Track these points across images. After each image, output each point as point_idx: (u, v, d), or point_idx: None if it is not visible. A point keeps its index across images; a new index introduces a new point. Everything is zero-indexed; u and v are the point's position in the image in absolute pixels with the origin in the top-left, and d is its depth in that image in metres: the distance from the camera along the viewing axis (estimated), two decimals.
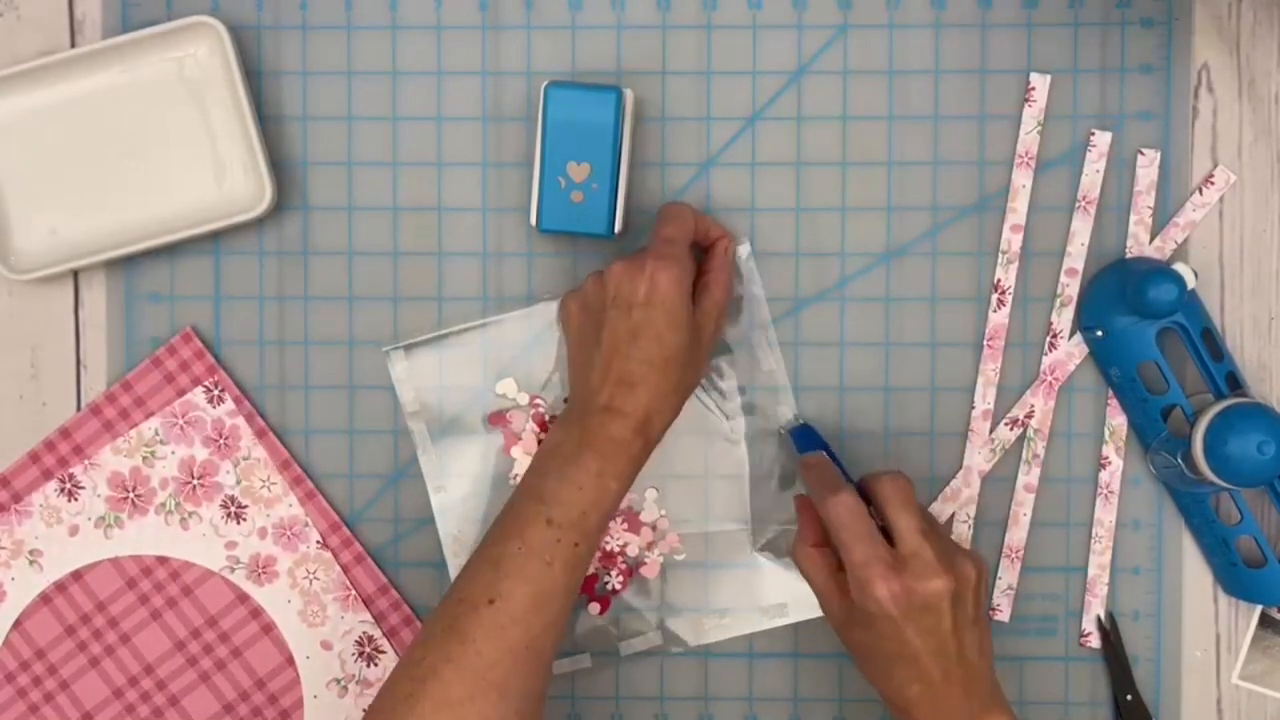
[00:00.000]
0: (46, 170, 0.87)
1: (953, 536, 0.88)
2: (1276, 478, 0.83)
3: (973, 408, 0.88)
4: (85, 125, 0.87)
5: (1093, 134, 0.87)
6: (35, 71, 0.86)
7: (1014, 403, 0.88)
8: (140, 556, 0.89)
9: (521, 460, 0.88)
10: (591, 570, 0.87)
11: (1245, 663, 0.88)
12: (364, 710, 0.88)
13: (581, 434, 0.79)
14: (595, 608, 0.88)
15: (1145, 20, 0.87)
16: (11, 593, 0.89)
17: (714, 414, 0.88)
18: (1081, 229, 0.87)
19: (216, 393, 0.88)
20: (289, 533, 0.88)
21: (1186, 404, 0.84)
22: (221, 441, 0.88)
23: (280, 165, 0.88)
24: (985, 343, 0.88)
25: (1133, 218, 0.87)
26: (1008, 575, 0.88)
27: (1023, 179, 0.87)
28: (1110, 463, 0.87)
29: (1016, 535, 0.88)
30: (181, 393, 0.88)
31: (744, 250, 0.87)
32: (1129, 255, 0.87)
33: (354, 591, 0.88)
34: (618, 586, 0.88)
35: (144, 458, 0.88)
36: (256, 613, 0.89)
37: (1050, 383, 0.88)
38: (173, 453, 0.88)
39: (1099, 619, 0.88)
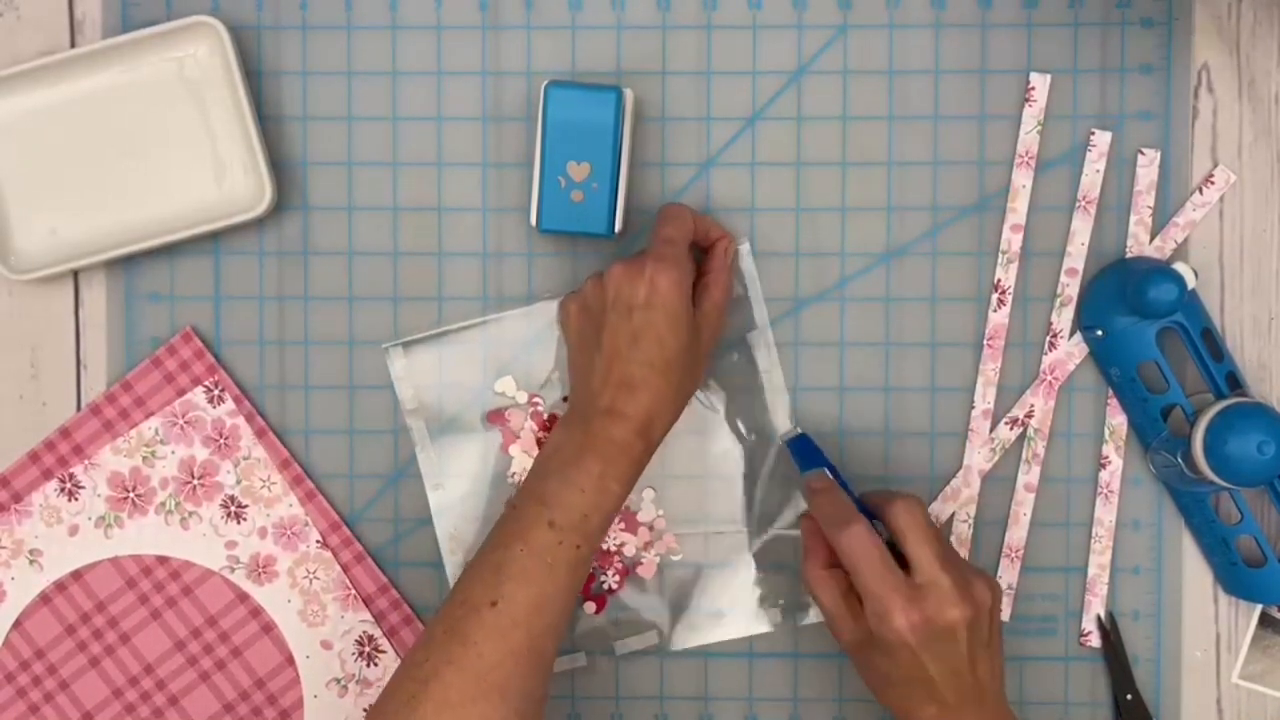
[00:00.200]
0: (46, 170, 0.87)
1: (952, 536, 0.88)
2: (1276, 478, 0.83)
3: (973, 408, 0.88)
4: (85, 125, 0.87)
5: (1093, 134, 0.87)
6: (35, 71, 0.86)
7: (1014, 402, 0.88)
8: (140, 556, 0.89)
9: (520, 459, 0.88)
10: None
11: (1245, 663, 0.88)
12: (364, 710, 0.88)
13: (583, 437, 0.79)
14: (591, 607, 0.88)
15: (1145, 20, 0.87)
16: (11, 593, 0.89)
17: (717, 414, 0.88)
18: (1081, 229, 0.87)
19: (216, 393, 0.88)
20: (289, 532, 0.88)
21: (1186, 404, 0.84)
22: (221, 441, 0.88)
23: (280, 165, 0.88)
24: (985, 343, 0.88)
25: (1133, 218, 0.87)
26: (1008, 575, 0.88)
27: (1023, 179, 0.87)
28: (1110, 463, 0.87)
29: (1016, 535, 0.88)
30: (181, 393, 0.88)
31: (744, 250, 0.87)
32: (1129, 255, 0.87)
33: (354, 591, 0.88)
34: (614, 586, 0.88)
35: (144, 458, 0.88)
36: (256, 612, 0.89)
37: (1050, 382, 0.88)
38: (173, 452, 0.88)
39: (1099, 619, 0.88)
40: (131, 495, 0.88)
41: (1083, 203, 0.87)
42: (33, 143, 0.87)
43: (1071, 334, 0.88)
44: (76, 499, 0.88)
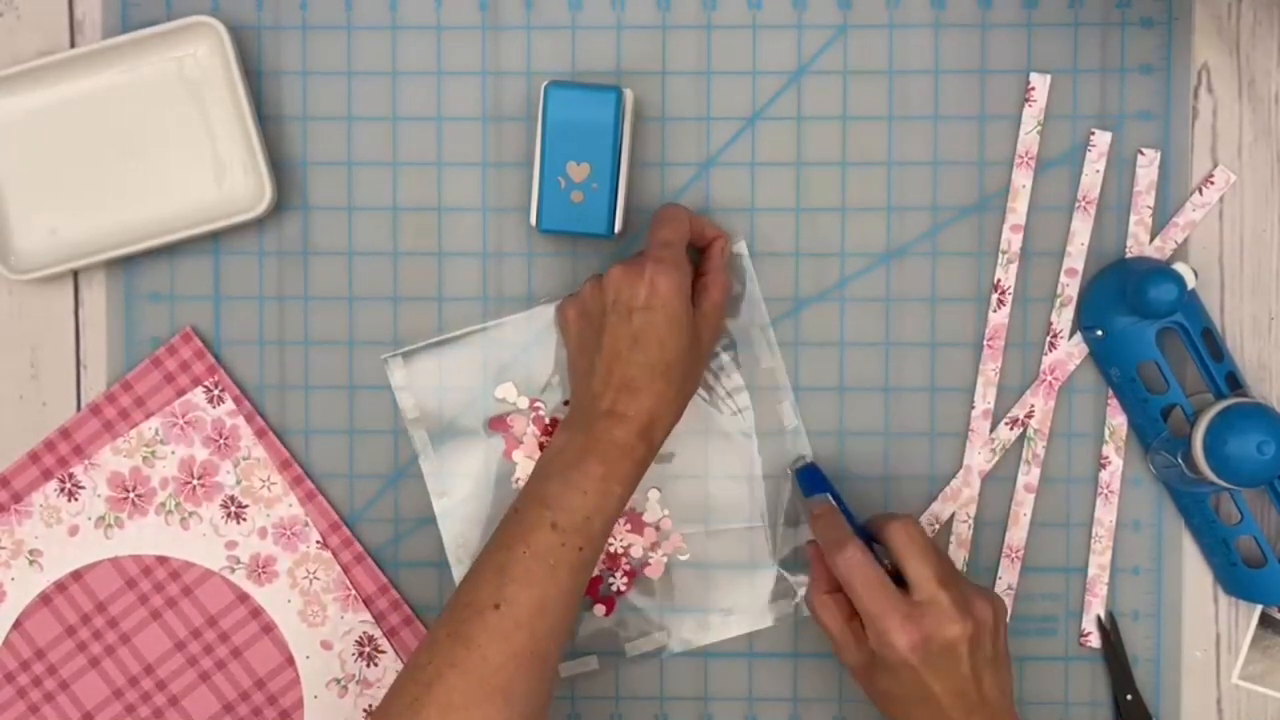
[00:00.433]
0: (46, 170, 0.87)
1: (952, 536, 0.88)
2: (1276, 478, 0.83)
3: (973, 408, 0.88)
4: (85, 125, 0.87)
5: (1093, 134, 0.87)
6: (35, 71, 0.86)
7: (1014, 403, 0.88)
8: (140, 556, 0.89)
9: (523, 464, 0.88)
10: (596, 572, 0.87)
11: (1245, 663, 0.88)
12: (364, 711, 0.88)
13: (585, 439, 0.79)
14: (600, 609, 0.88)
15: (1145, 20, 0.87)
16: (11, 593, 0.88)
17: (719, 413, 0.88)
18: (1081, 229, 0.87)
19: (216, 393, 0.88)
20: (289, 533, 0.88)
21: (1186, 404, 0.84)
22: (221, 441, 0.88)
23: (280, 165, 0.88)
24: (985, 343, 0.88)
25: (1133, 218, 0.87)
26: (1008, 575, 0.88)
27: (1023, 179, 0.87)
28: (1110, 463, 0.87)
29: (1016, 535, 0.88)
30: (181, 393, 0.88)
31: (740, 248, 0.87)
32: (1129, 255, 0.87)
33: (354, 591, 0.88)
34: (622, 588, 0.88)
35: (144, 458, 0.88)
36: (256, 613, 0.89)
37: (1050, 383, 0.88)
38: (173, 453, 0.88)
39: (1099, 619, 0.88)
40: (131, 495, 0.88)
41: (1083, 203, 0.87)
42: (33, 143, 0.87)
43: (1071, 334, 0.88)
44: (76, 499, 0.88)
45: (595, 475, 0.78)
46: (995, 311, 0.88)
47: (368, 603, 0.88)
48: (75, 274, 0.89)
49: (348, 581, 0.88)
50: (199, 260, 0.89)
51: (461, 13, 0.88)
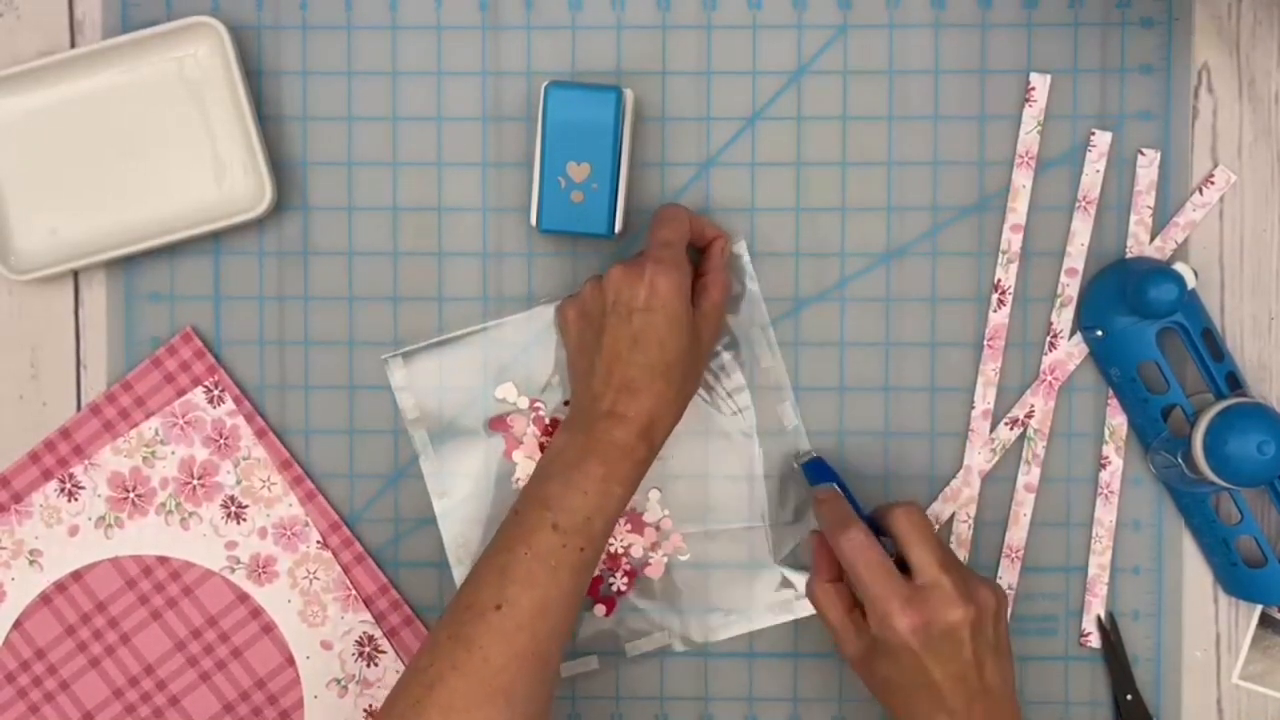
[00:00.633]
0: (46, 170, 0.87)
1: (952, 536, 0.88)
2: (1276, 478, 0.83)
3: (973, 408, 0.88)
4: (85, 125, 0.87)
5: (1093, 134, 0.87)
6: (35, 71, 0.86)
7: (1014, 403, 0.88)
8: (140, 556, 0.89)
9: (523, 464, 0.88)
10: (597, 572, 0.87)
11: (1245, 663, 0.88)
12: (364, 710, 0.88)
13: (585, 440, 0.79)
14: (601, 609, 0.88)
15: (1145, 20, 0.87)
16: (11, 593, 0.88)
17: (719, 413, 0.88)
18: (1081, 229, 0.87)
19: (216, 393, 0.88)
20: (289, 533, 0.88)
21: (1186, 404, 0.84)
22: (221, 441, 0.88)
23: (280, 165, 0.88)
24: (985, 343, 0.88)
25: (1133, 218, 0.87)
26: (1008, 575, 0.88)
27: (1023, 179, 0.87)
28: (1110, 463, 0.87)
29: (1016, 535, 0.88)
30: (181, 393, 0.88)
31: (740, 248, 0.87)
32: (1129, 255, 0.87)
33: (354, 591, 0.88)
34: (623, 588, 0.88)
35: (144, 458, 0.88)
36: (256, 613, 0.89)
37: (1050, 383, 0.88)
38: (173, 453, 0.88)
39: (1099, 619, 0.88)
40: (131, 495, 0.88)
41: (1083, 203, 0.87)
42: (33, 143, 0.87)
43: (1071, 334, 0.88)
44: (76, 499, 0.88)
45: (596, 476, 0.78)
46: (995, 311, 0.88)
47: (368, 603, 0.88)
48: (75, 274, 0.89)
49: (348, 581, 0.88)
50: (199, 260, 0.89)
51: (461, 13, 0.88)
